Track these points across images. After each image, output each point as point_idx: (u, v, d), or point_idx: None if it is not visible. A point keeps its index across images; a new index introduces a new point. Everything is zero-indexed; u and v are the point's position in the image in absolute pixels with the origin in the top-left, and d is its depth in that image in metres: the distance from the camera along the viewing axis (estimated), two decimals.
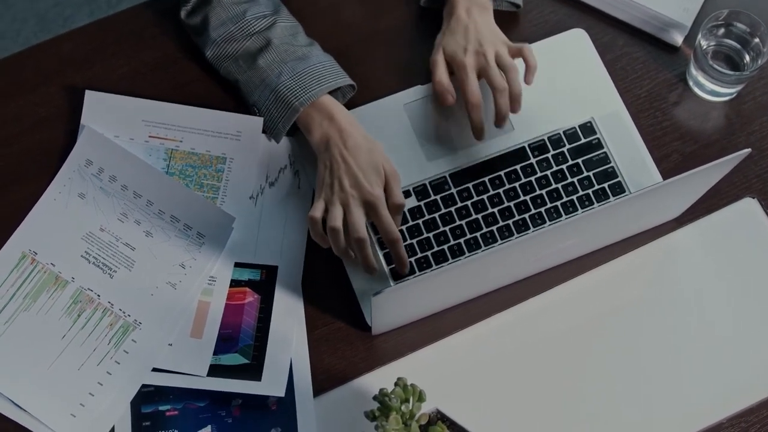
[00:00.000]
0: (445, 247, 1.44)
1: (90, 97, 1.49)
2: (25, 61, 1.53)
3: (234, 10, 1.47)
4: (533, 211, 1.46)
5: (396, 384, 1.26)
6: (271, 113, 1.45)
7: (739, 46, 1.51)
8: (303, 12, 1.53)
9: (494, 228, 1.45)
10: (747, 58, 1.51)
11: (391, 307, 1.30)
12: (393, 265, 1.43)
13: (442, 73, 1.46)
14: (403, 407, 1.24)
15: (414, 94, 1.52)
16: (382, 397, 1.24)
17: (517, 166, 1.48)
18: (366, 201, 1.38)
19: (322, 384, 1.39)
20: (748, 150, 1.23)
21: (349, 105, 1.48)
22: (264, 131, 1.47)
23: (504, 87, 1.44)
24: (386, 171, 1.40)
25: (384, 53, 1.54)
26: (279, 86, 1.44)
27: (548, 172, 1.48)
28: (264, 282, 1.43)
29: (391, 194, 1.40)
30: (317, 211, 1.38)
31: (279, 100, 1.44)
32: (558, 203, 1.47)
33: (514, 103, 1.45)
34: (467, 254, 1.44)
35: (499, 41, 1.47)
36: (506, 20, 1.55)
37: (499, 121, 1.45)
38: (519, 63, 1.47)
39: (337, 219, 1.37)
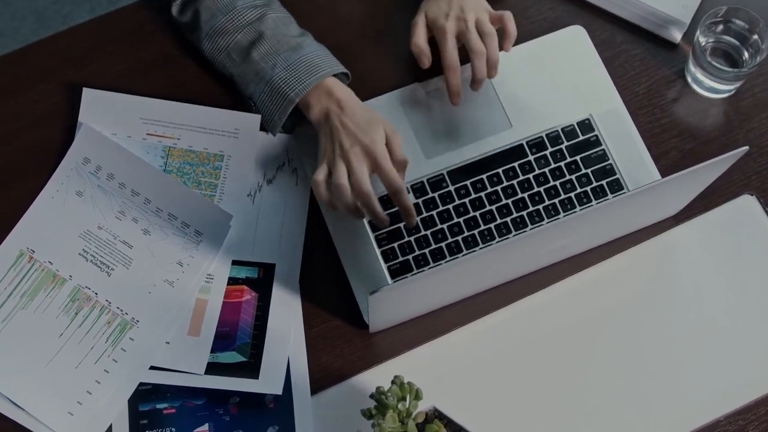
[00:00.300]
0: (443, 244, 1.44)
1: (88, 94, 1.49)
2: (23, 58, 1.53)
3: (224, 0, 1.47)
4: (531, 209, 1.46)
5: (393, 382, 1.25)
6: (266, 106, 1.45)
7: (737, 43, 1.51)
8: (301, 9, 1.52)
9: (492, 225, 1.45)
10: (746, 54, 1.51)
11: (388, 305, 1.29)
12: (391, 263, 1.43)
13: (419, 36, 1.47)
14: (399, 405, 1.24)
15: (412, 91, 1.51)
16: (378, 395, 1.24)
17: (515, 164, 1.48)
18: (367, 154, 1.38)
19: (319, 382, 1.39)
20: (745, 148, 1.23)
21: None
22: (261, 126, 1.47)
23: (481, 49, 1.45)
24: (386, 130, 1.41)
25: (382, 50, 1.53)
26: (274, 78, 1.44)
27: (546, 170, 1.48)
28: (261, 280, 1.43)
29: (393, 152, 1.40)
30: (320, 173, 1.39)
31: (274, 92, 1.44)
32: (556, 200, 1.47)
33: (491, 69, 1.46)
34: (465, 252, 1.44)
35: (481, 8, 1.48)
36: None
37: (475, 83, 1.47)
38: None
39: (341, 176, 1.37)
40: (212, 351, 1.39)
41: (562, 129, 1.50)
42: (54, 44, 1.53)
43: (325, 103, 1.42)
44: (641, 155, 1.49)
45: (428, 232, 1.45)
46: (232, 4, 1.46)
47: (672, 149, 1.50)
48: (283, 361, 1.39)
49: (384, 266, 1.43)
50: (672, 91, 1.53)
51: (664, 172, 1.49)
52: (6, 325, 1.39)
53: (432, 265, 1.43)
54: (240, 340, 1.40)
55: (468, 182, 1.47)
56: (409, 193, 1.46)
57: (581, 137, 1.50)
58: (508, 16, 1.47)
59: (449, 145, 1.49)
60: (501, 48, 1.47)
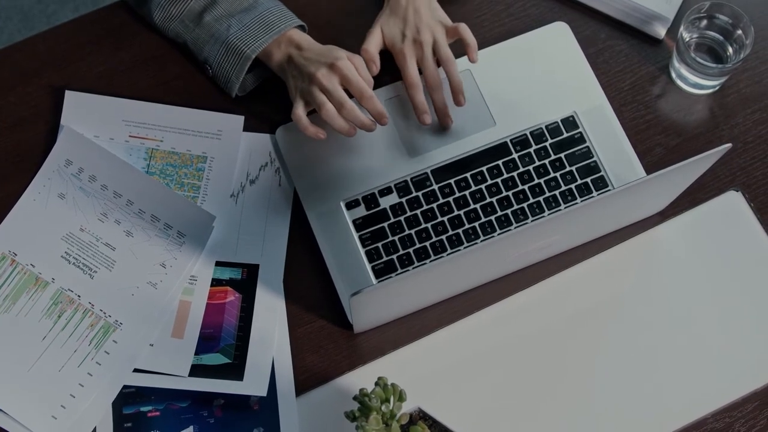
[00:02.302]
0: (427, 243, 1.44)
1: (70, 97, 1.49)
2: (3, 60, 1.52)
3: None
4: (515, 207, 1.45)
5: (376, 384, 1.25)
6: (222, 66, 1.46)
7: (722, 38, 1.50)
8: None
9: (476, 224, 1.45)
10: (730, 50, 1.50)
11: (371, 306, 1.29)
12: (375, 263, 1.42)
13: (370, 43, 1.47)
14: (383, 407, 1.24)
15: (395, 89, 1.51)
16: (362, 397, 1.24)
17: (499, 162, 1.47)
18: (334, 70, 1.40)
19: (304, 383, 1.38)
20: (728, 145, 1.22)
21: None
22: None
23: (438, 84, 1.46)
24: (346, 53, 1.43)
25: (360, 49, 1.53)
26: (229, 38, 1.45)
27: (530, 168, 1.47)
28: (245, 281, 1.42)
29: (357, 70, 1.42)
30: (298, 107, 1.42)
31: (230, 51, 1.45)
32: (540, 198, 1.46)
33: (458, 95, 1.47)
34: (449, 251, 1.43)
35: (437, 23, 1.47)
36: (486, 13, 1.54)
37: (441, 118, 1.48)
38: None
39: (320, 99, 1.40)
40: (196, 353, 1.38)
41: (546, 126, 1.49)
42: (34, 46, 1.52)
43: (285, 50, 1.45)
44: (626, 152, 1.49)
45: (412, 232, 1.44)
46: None
47: (657, 146, 1.50)
48: (268, 362, 1.38)
49: (368, 266, 1.42)
50: (656, 88, 1.53)
51: (649, 168, 1.48)
52: None
53: (416, 264, 1.43)
54: (224, 341, 1.39)
55: (452, 181, 1.46)
56: (392, 192, 1.45)
57: (565, 134, 1.49)
58: (464, 28, 1.46)
59: (433, 143, 1.48)
60: (469, 59, 1.46)
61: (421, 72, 1.47)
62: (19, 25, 2.43)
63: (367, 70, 1.43)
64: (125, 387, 1.37)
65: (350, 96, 1.43)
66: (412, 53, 1.47)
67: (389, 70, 1.51)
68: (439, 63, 1.47)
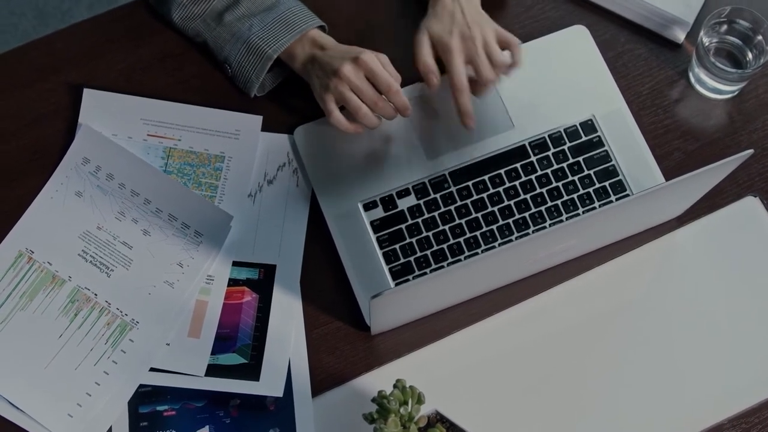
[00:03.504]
0: (445, 246, 1.43)
1: (88, 95, 1.48)
2: (22, 57, 1.52)
3: None
4: (533, 210, 1.45)
5: (395, 386, 1.25)
6: (243, 66, 1.46)
7: (741, 44, 1.50)
8: None
9: (494, 227, 1.44)
10: (749, 55, 1.50)
11: (389, 308, 1.29)
12: (392, 265, 1.42)
13: (426, 54, 1.43)
14: (401, 410, 1.23)
15: (413, 90, 1.51)
16: (380, 399, 1.24)
17: (518, 164, 1.47)
18: (359, 65, 1.40)
19: (320, 384, 1.38)
20: (750, 151, 1.22)
21: None
22: (250, 90, 1.48)
23: (492, 80, 1.43)
24: (369, 51, 1.43)
25: (383, 49, 1.52)
26: (251, 37, 1.45)
27: (549, 171, 1.47)
28: (262, 281, 1.42)
29: (384, 67, 1.43)
30: (333, 110, 1.42)
31: (251, 50, 1.45)
32: (558, 202, 1.46)
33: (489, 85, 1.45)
34: (467, 253, 1.43)
35: (486, 24, 1.44)
36: (507, 16, 1.54)
37: (477, 92, 1.45)
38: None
39: (352, 100, 1.41)
40: (212, 353, 1.38)
41: (565, 130, 1.49)
42: (53, 43, 1.53)
43: (309, 50, 1.45)
44: (644, 156, 1.48)
45: (430, 234, 1.44)
46: None
47: (675, 150, 1.49)
48: (284, 363, 1.38)
49: (385, 268, 1.42)
50: (675, 92, 1.52)
51: (668, 173, 1.48)
52: (5, 327, 1.38)
53: (434, 266, 1.43)
54: (240, 341, 1.39)
55: (470, 183, 1.46)
56: (410, 193, 1.45)
57: (584, 138, 1.49)
58: (517, 46, 1.43)
59: (451, 145, 1.48)
60: (504, 73, 1.45)
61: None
62: (34, 22, 2.43)
63: (391, 65, 1.43)
64: (141, 386, 1.37)
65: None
66: (460, 49, 1.41)
67: (409, 69, 1.51)
68: None
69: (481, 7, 1.45)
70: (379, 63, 1.41)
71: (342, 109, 1.43)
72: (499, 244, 1.44)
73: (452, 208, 1.45)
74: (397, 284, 1.41)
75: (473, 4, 1.45)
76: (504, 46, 1.44)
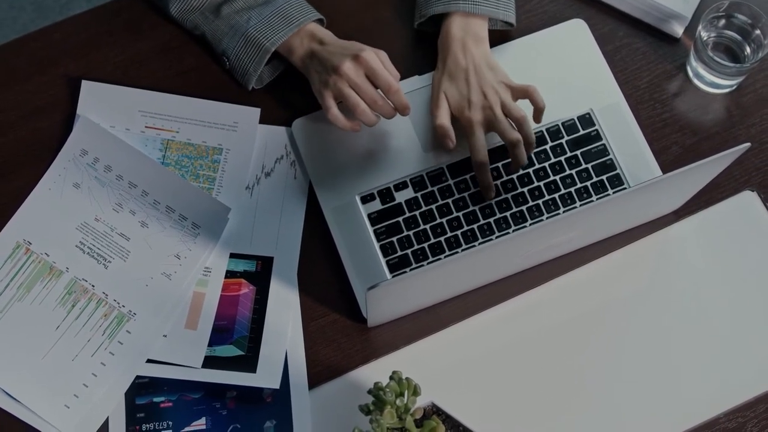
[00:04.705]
0: (442, 238, 1.43)
1: (86, 87, 1.48)
2: (20, 49, 1.52)
3: None
4: (531, 203, 1.45)
5: (391, 378, 1.25)
6: (240, 58, 1.46)
7: (739, 38, 1.50)
8: None
9: (491, 220, 1.44)
10: (748, 49, 1.50)
11: (386, 300, 1.29)
12: (389, 257, 1.42)
13: (443, 117, 1.44)
14: (397, 401, 1.24)
15: (411, 84, 1.51)
16: (376, 390, 1.24)
17: None
18: (359, 63, 1.40)
19: (317, 376, 1.38)
20: (747, 144, 1.22)
21: None
22: (246, 82, 1.48)
23: (518, 139, 1.40)
24: (369, 48, 1.42)
25: (382, 43, 1.52)
26: (249, 30, 1.45)
27: (546, 164, 1.47)
28: (259, 273, 1.42)
29: (383, 64, 1.42)
30: (332, 106, 1.42)
31: (249, 43, 1.45)
32: (556, 195, 1.46)
33: (529, 149, 1.43)
34: (464, 246, 1.43)
35: (502, 85, 1.43)
36: None
37: (515, 169, 1.43)
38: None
39: (351, 96, 1.40)
40: (209, 344, 1.38)
41: (563, 123, 1.49)
42: (51, 35, 1.52)
43: (307, 45, 1.44)
44: (642, 150, 1.48)
45: (427, 227, 1.44)
46: None
47: (673, 144, 1.50)
48: (281, 355, 1.38)
49: (383, 260, 1.42)
50: (673, 86, 1.52)
51: (665, 167, 1.48)
52: (2, 318, 1.38)
53: (431, 259, 1.43)
54: (237, 333, 1.39)
55: (468, 176, 1.46)
56: (407, 186, 1.45)
57: (582, 132, 1.49)
58: (533, 90, 1.42)
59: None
60: (535, 121, 1.44)
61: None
62: (33, 15, 2.43)
63: (391, 63, 1.42)
64: (138, 377, 1.37)
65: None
66: (481, 119, 1.42)
67: (407, 63, 1.51)
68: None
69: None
70: (379, 62, 1.41)
71: (339, 103, 1.44)
72: (497, 237, 1.44)
73: (450, 201, 1.45)
74: (393, 277, 1.41)
75: (483, 53, 1.45)
76: (521, 96, 1.43)
